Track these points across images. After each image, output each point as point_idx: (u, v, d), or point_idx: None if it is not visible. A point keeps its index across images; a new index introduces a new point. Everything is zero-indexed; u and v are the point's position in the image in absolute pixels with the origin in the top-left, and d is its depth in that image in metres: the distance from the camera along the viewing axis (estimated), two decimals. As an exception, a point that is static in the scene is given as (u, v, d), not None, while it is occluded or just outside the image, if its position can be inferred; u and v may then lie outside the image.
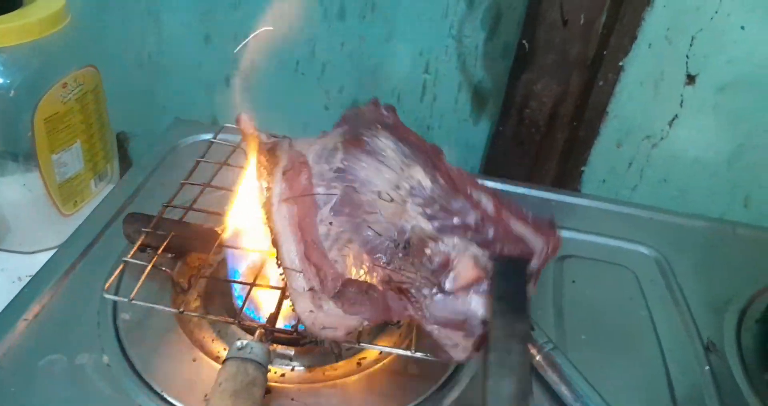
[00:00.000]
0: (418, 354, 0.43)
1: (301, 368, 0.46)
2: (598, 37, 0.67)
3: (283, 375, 0.45)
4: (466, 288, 0.40)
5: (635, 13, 0.65)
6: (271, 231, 0.41)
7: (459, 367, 0.46)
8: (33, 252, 0.64)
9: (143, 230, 0.48)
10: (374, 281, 0.40)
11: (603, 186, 0.77)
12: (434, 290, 0.40)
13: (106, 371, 0.44)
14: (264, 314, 0.47)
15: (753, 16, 0.62)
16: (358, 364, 0.47)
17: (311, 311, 0.39)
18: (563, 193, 0.68)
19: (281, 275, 0.40)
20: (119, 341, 0.46)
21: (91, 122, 0.66)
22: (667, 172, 0.74)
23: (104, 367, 0.44)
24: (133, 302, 0.43)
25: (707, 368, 0.50)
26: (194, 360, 0.45)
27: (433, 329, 0.39)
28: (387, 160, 0.45)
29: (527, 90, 0.71)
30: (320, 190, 0.43)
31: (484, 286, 0.39)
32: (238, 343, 0.40)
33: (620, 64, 0.67)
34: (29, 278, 0.52)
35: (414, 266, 0.40)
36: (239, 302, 0.48)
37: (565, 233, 0.62)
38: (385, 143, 0.46)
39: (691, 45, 0.65)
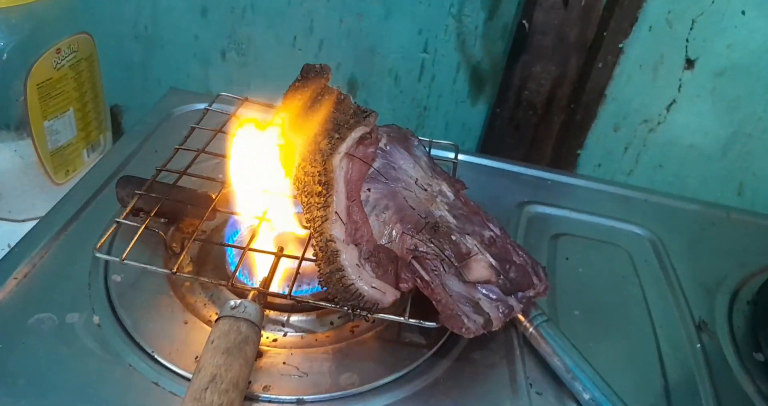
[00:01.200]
0: (412, 321, 0.43)
1: (294, 333, 0.46)
2: (598, 19, 0.66)
3: (275, 340, 0.45)
4: (477, 283, 0.43)
5: (637, -5, 0.65)
6: (324, 174, 0.42)
7: (452, 336, 0.46)
8: (24, 220, 0.63)
9: (136, 192, 0.48)
10: (402, 248, 0.42)
11: (599, 170, 0.77)
12: (452, 270, 0.43)
13: (96, 331, 0.43)
14: (257, 280, 0.47)
15: (753, 1, 0.62)
16: (351, 331, 0.47)
17: (358, 265, 0.40)
18: (559, 172, 0.68)
19: (311, 223, 0.42)
20: (110, 301, 0.45)
21: (84, 90, 0.65)
22: (663, 158, 0.74)
23: (95, 327, 0.43)
24: (125, 262, 0.43)
25: (699, 346, 0.50)
26: (186, 323, 0.45)
27: (446, 296, 0.41)
28: (421, 162, 0.49)
29: (525, 72, 0.71)
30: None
31: (495, 290, 0.44)
32: (232, 302, 0.39)
33: (620, 46, 0.67)
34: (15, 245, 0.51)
35: (438, 245, 0.43)
36: (232, 267, 0.47)
37: (559, 212, 0.62)
38: (422, 152, 0.50)
39: (691, 29, 0.65)
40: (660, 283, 0.56)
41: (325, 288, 0.41)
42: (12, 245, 0.59)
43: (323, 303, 0.43)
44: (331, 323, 0.47)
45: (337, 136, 0.43)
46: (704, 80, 0.68)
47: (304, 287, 0.47)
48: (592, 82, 0.70)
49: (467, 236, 0.45)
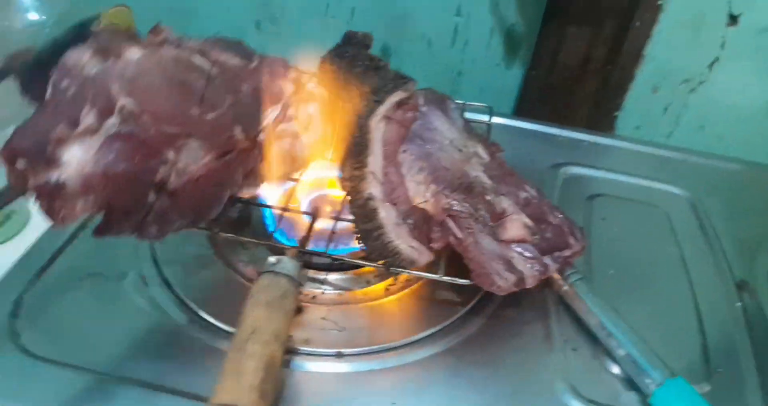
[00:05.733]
0: (446, 278, 0.43)
1: (332, 291, 0.47)
2: (636, -24, 0.65)
3: (314, 297, 0.46)
4: (511, 242, 0.43)
5: (677, -51, 0.63)
6: (361, 136, 0.43)
7: (486, 294, 0.46)
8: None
9: None
10: (436, 207, 0.43)
11: (637, 132, 0.75)
12: (486, 229, 0.43)
13: (143, 289, 0.45)
14: (296, 239, 0.48)
15: (801, -49, 0.60)
16: (387, 290, 0.48)
17: (396, 223, 0.41)
18: (596, 134, 0.67)
19: (348, 183, 0.42)
20: (155, 261, 0.47)
21: (124, 62, 0.67)
22: (705, 119, 0.72)
23: (142, 285, 0.46)
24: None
25: (739, 304, 0.50)
26: (228, 281, 0.46)
27: (479, 254, 0.42)
28: (456, 124, 0.49)
29: (560, 33, 0.70)
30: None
31: (530, 248, 0.43)
32: (272, 259, 0.41)
33: (659, 3, 0.65)
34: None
35: (473, 204, 0.43)
36: (271, 227, 0.49)
37: (595, 173, 0.62)
38: (458, 115, 0.51)
39: (734, -18, 0.63)
40: (698, 242, 0.55)
41: (362, 245, 0.42)
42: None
43: (358, 261, 0.44)
44: (367, 282, 0.48)
45: (375, 98, 0.44)
46: (748, 37, 0.66)
47: (341, 247, 0.48)
48: (629, 43, 0.68)
49: (502, 197, 0.45)
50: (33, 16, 0.56)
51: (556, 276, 0.47)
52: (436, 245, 0.43)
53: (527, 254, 0.43)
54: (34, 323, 0.43)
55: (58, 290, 0.45)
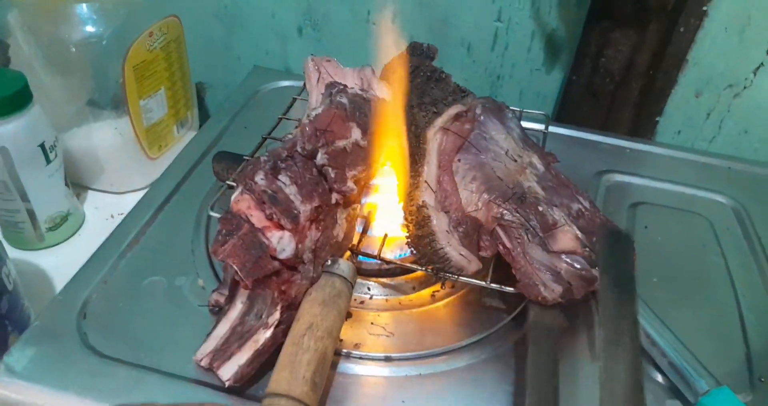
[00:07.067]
0: (493, 285, 0.44)
1: (379, 297, 0.49)
2: (680, -19, 0.64)
3: (362, 303, 0.48)
4: (562, 253, 0.44)
5: (723, -46, 0.62)
6: (418, 146, 0.45)
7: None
8: (123, 192, 0.68)
9: (245, 157, 0.51)
10: (487, 216, 0.44)
11: (678, 137, 0.75)
12: (536, 240, 0.44)
13: (201, 293, 0.47)
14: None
15: None
16: (432, 296, 0.49)
17: (448, 231, 0.42)
18: (638, 141, 0.67)
19: (404, 189, 0.44)
20: (212, 266, 0.49)
21: (173, 70, 0.69)
22: (749, 123, 0.72)
23: (199, 289, 0.48)
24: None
25: (784, 314, 0.50)
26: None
27: (526, 264, 0.43)
28: (513, 134, 0.49)
29: (603, 38, 0.70)
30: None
31: (580, 260, 0.43)
32: (328, 260, 0.42)
33: (704, 8, 0.65)
34: (121, 216, 0.56)
35: (524, 215, 0.44)
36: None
37: (638, 181, 0.62)
38: (515, 124, 0.51)
39: (782, -13, 0.62)
40: (743, 251, 0.55)
41: (412, 250, 0.43)
42: (115, 216, 0.64)
43: (408, 264, 0.46)
44: (413, 288, 0.50)
45: (434, 110, 0.45)
46: (795, 42, 0.65)
47: (389, 254, 0.49)
48: (673, 47, 0.68)
49: (554, 208, 0.46)
50: (90, 28, 0.58)
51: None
52: (485, 253, 0.44)
53: (577, 266, 0.44)
54: (100, 323, 0.45)
55: (122, 293, 0.47)
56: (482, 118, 0.48)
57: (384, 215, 0.50)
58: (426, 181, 0.43)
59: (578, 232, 0.44)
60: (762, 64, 0.67)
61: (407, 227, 0.44)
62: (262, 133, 0.56)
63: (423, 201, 0.43)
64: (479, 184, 0.45)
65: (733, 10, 0.65)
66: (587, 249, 0.44)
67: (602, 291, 0.40)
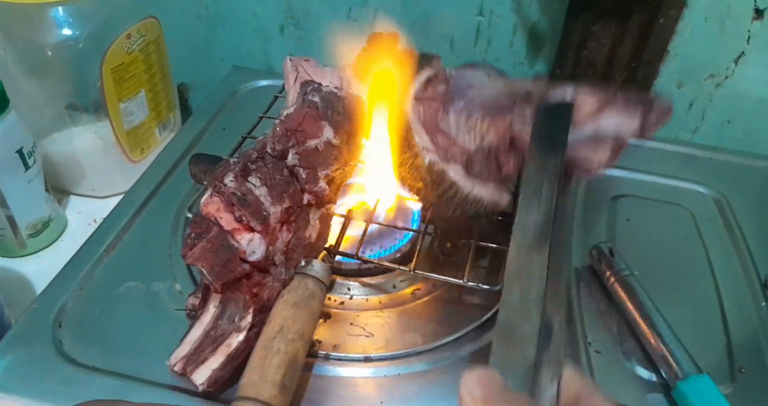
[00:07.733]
0: (470, 284, 0.44)
1: (359, 297, 0.48)
2: (660, -30, 0.64)
3: (342, 303, 0.48)
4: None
5: (701, -56, 0.62)
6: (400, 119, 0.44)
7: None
8: (105, 197, 0.68)
9: (225, 157, 0.50)
10: (497, 136, 0.44)
11: (661, 129, 0.74)
12: None
13: (179, 298, 0.47)
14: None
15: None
16: (413, 294, 0.49)
17: (465, 176, 0.42)
18: (619, 133, 0.66)
19: (403, 167, 0.44)
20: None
21: (154, 72, 0.69)
22: (732, 113, 0.71)
23: (177, 294, 0.48)
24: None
25: (764, 304, 0.50)
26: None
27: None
28: (492, 72, 0.49)
29: (585, 30, 0.69)
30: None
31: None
32: (302, 261, 0.42)
33: (683, -1, 0.65)
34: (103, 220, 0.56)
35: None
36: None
37: (619, 173, 0.62)
38: (496, 73, 0.49)
39: (760, -24, 0.62)
40: (724, 242, 0.55)
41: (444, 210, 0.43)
42: (97, 220, 0.64)
43: (386, 263, 0.46)
44: (394, 287, 0.49)
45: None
46: (775, 30, 0.65)
47: (368, 252, 0.49)
48: (654, 39, 0.68)
49: (567, 89, 0.45)
50: (66, 31, 0.57)
51: (606, 269, 0.49)
52: (506, 168, 0.43)
53: (614, 121, 0.43)
54: (76, 331, 0.45)
55: (98, 299, 0.47)
56: (454, 72, 0.48)
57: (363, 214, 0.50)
58: (423, 147, 0.42)
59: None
60: (743, 53, 0.67)
61: (425, 194, 0.43)
62: (242, 132, 0.56)
63: (429, 161, 0.42)
64: (477, 115, 0.44)
65: (713, 1, 0.64)
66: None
67: (530, 148, 0.40)
